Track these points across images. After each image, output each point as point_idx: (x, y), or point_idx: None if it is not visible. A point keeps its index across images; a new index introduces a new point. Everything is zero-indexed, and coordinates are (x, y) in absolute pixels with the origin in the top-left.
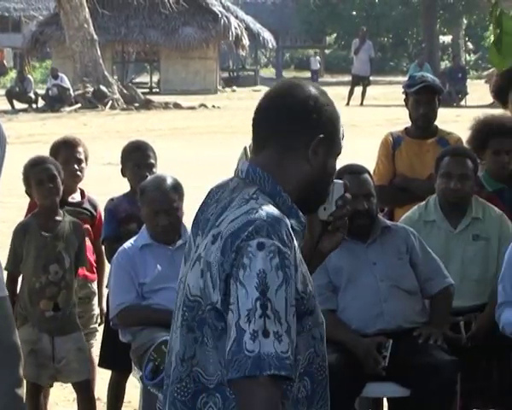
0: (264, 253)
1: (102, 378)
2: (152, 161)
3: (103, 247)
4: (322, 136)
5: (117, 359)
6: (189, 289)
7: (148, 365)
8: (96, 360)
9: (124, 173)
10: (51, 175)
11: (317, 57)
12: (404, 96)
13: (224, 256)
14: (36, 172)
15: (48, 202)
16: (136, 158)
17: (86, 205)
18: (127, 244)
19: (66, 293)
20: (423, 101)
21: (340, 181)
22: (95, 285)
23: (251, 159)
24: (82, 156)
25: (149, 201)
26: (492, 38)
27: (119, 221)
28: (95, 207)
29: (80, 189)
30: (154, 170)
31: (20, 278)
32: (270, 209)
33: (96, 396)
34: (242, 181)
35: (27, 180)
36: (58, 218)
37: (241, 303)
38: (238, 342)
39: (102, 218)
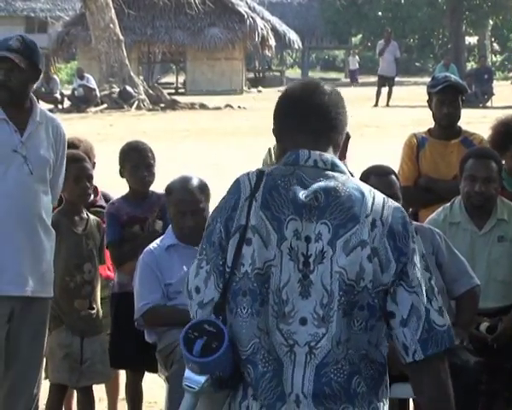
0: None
1: None
2: (151, 161)
3: (108, 251)
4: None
5: (130, 358)
6: (346, 274)
7: (196, 342)
8: None
9: (122, 174)
10: (90, 175)
11: (356, 57)
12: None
13: (395, 241)
14: (77, 168)
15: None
16: (135, 159)
17: (101, 202)
18: (153, 245)
19: (97, 292)
20: (447, 100)
21: None
22: None
23: (318, 150)
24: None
25: (176, 201)
26: None
27: (121, 224)
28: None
29: (94, 186)
30: (154, 170)
31: None
32: None
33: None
34: (326, 170)
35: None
36: (84, 215)
37: (423, 284)
38: (428, 321)
39: None
